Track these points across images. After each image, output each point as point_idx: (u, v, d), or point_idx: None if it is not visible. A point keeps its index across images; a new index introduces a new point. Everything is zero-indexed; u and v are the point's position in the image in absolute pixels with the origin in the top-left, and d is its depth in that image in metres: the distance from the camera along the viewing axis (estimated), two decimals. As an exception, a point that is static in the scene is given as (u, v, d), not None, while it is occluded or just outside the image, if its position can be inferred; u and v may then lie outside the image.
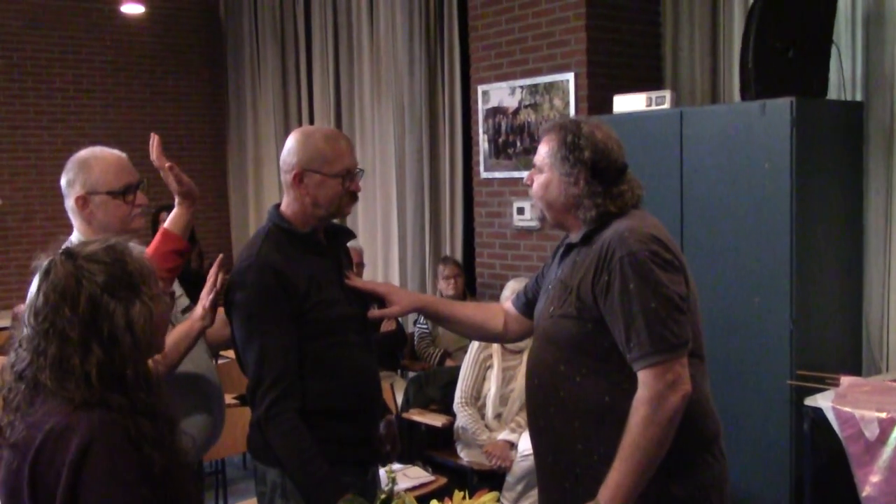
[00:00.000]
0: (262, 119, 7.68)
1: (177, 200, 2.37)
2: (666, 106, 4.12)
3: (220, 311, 2.30)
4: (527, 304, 2.39)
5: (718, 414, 2.14)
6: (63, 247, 1.62)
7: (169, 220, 2.34)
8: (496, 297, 5.09)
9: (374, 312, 2.36)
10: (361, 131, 6.59)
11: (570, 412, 2.04)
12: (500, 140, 5.16)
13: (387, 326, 4.98)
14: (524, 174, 4.85)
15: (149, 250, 2.26)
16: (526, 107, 4.97)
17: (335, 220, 2.41)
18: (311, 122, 7.02)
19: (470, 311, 2.55)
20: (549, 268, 2.29)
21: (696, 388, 1.98)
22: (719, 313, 3.66)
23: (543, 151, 2.14)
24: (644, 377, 1.93)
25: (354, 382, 2.26)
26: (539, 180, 2.15)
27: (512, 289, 4.37)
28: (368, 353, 2.34)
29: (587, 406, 2.02)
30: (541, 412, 2.13)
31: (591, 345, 2.02)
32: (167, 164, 2.33)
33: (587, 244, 2.08)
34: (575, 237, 2.13)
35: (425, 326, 5.32)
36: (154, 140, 2.33)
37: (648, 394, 1.91)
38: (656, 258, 1.96)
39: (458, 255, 5.87)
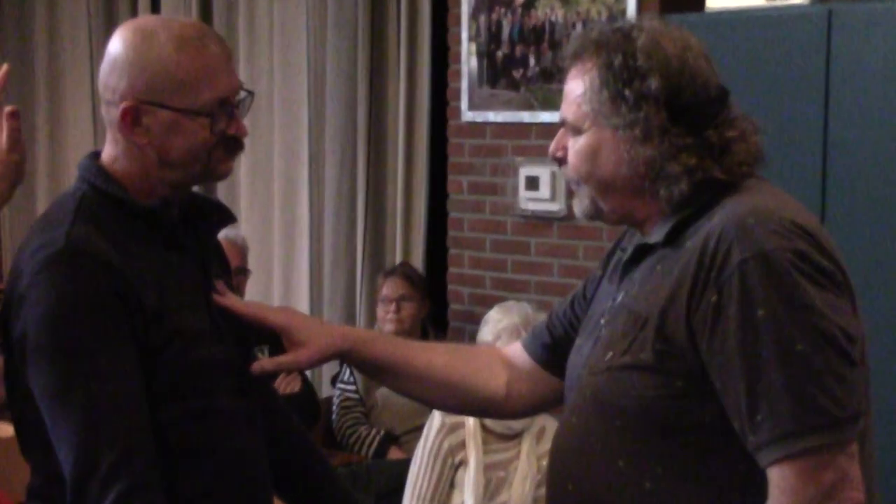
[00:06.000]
0: (62, 13, 6.04)
1: None
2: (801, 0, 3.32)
3: None
4: (550, 348, 1.84)
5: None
6: None
7: None
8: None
9: (264, 362, 1.83)
10: (250, 39, 5.14)
11: None
12: (500, 54, 3.96)
13: (286, 386, 3.69)
14: (542, 117, 3.94)
15: None
16: (549, -6, 3.89)
17: (199, 189, 1.92)
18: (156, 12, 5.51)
19: (442, 357, 1.93)
20: (593, 288, 1.79)
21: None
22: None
23: (576, 93, 1.58)
24: (781, 477, 1.45)
25: (226, 473, 1.76)
26: (576, 147, 1.59)
27: (496, 322, 3.18)
28: (248, 426, 1.80)
29: None
30: None
31: (681, 420, 1.53)
32: (10, 109, 1.86)
33: (674, 243, 1.56)
34: (654, 235, 1.60)
35: (352, 388, 3.87)
36: (3, 69, 1.97)
37: None
38: (805, 264, 1.44)
39: (419, 263, 4.42)
